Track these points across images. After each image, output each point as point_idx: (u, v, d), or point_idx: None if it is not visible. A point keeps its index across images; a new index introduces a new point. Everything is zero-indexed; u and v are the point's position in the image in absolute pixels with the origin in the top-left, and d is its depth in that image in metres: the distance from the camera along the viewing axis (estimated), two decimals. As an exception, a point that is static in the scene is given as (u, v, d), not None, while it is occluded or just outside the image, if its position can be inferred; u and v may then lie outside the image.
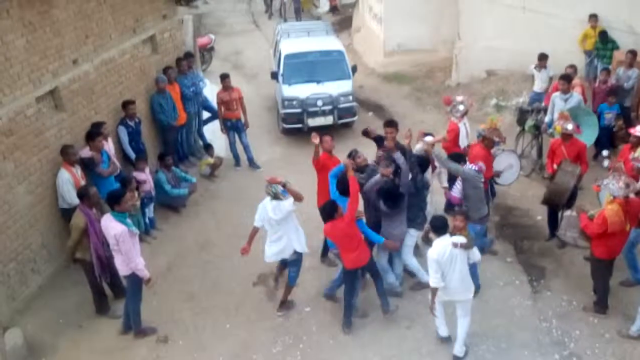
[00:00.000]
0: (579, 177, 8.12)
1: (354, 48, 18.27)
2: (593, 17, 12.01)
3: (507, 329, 7.18)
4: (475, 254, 6.59)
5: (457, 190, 7.83)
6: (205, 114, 12.01)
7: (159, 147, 10.71)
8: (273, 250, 7.45)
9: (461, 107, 9.05)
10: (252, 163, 11.59)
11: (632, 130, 8.36)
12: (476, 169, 7.50)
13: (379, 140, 8.21)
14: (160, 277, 8.25)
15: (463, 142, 8.94)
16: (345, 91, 12.55)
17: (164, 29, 11.13)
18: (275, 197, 7.14)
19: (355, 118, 12.69)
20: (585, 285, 7.55)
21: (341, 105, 12.42)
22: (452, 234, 6.49)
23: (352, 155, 7.87)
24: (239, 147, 11.54)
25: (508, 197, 9.84)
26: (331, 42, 13.72)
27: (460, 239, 6.39)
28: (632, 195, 6.91)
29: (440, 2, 15.36)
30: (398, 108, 13.96)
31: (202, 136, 11.98)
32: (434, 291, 6.50)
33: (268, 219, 7.28)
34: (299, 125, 12.41)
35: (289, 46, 13.45)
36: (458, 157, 7.96)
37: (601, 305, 7.27)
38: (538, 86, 11.38)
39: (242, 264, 8.44)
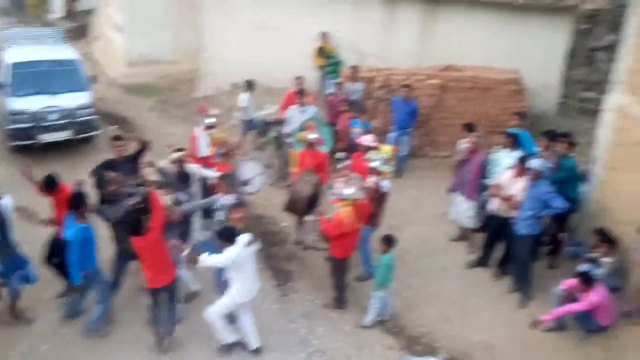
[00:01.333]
0: (318, 184, 8.70)
1: (94, 57, 17.26)
2: (323, 35, 13.06)
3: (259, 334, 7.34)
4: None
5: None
6: None
7: None
8: None
9: (209, 120, 9.22)
10: (-26, 186, 10.16)
11: (359, 140, 9.25)
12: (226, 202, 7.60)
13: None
14: None
15: (202, 152, 9.05)
16: (83, 103, 11.72)
17: None
18: None
19: (97, 132, 11.95)
20: (326, 285, 8.09)
21: (79, 119, 11.58)
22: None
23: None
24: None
25: (256, 206, 10.15)
26: (64, 51, 12.72)
27: (247, 237, 6.61)
28: (363, 197, 7.68)
29: (180, 14, 15.33)
30: (143, 121, 13.54)
31: None
32: None
33: None
34: (30, 142, 11.26)
35: (16, 55, 12.13)
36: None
37: (340, 301, 7.88)
38: (250, 113, 11.50)
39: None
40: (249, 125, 11.57)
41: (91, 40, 18.26)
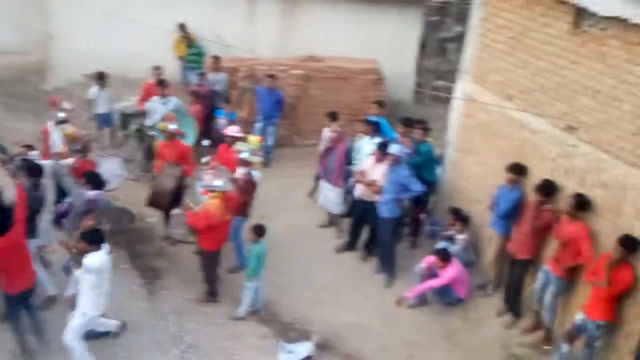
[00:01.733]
0: (182, 177, 8.51)
1: None
2: (182, 26, 12.70)
3: (125, 337, 6.96)
4: None
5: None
6: None
7: None
8: None
9: (60, 114, 8.68)
10: None
11: (226, 131, 9.16)
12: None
13: None
14: None
15: (56, 147, 8.52)
16: None
17: None
18: None
19: None
20: (198, 278, 7.96)
21: None
22: None
23: None
24: None
25: (118, 202, 9.69)
26: None
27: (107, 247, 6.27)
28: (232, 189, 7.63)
29: (25, 2, 14.18)
30: (-13, 116, 12.40)
31: None
32: None
33: None
34: None
35: None
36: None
37: (212, 294, 7.80)
38: (103, 107, 11.01)
39: None
40: (104, 119, 11.02)
41: None
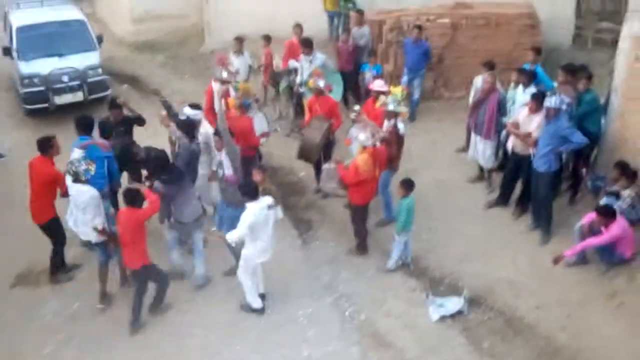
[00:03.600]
0: (329, 131, 8.66)
1: (98, 17, 17.06)
2: (330, -17, 12.75)
3: (283, 283, 7.50)
4: (279, 211, 6.92)
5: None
6: None
7: None
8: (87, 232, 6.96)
9: (224, 74, 9.10)
10: (-8, 152, 10.31)
11: (371, 86, 9.16)
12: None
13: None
14: None
15: (217, 105, 8.94)
16: (93, 64, 11.71)
17: None
18: (77, 178, 6.65)
19: (108, 92, 11.92)
20: (348, 231, 8.17)
21: (90, 80, 11.59)
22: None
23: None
24: (-26, 136, 10.18)
25: (272, 158, 10.17)
26: (70, 12, 12.65)
27: (270, 200, 6.67)
28: (378, 143, 7.65)
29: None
30: (154, 78, 13.50)
31: None
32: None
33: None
34: (45, 105, 11.30)
35: (21, 18, 12.08)
36: None
37: (362, 246, 7.98)
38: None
39: (-5, 268, 7.60)
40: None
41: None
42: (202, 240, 7.39)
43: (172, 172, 7.04)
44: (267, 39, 11.28)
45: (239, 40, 10.93)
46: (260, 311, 7.07)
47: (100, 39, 12.32)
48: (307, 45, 10.27)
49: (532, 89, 8.35)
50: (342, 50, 11.22)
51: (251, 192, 6.64)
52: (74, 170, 6.69)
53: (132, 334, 6.83)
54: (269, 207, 6.67)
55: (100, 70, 11.82)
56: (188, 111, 7.95)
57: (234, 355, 6.60)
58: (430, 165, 9.70)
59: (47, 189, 7.26)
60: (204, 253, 7.44)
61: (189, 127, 7.72)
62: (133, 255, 6.59)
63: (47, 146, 7.23)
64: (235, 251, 7.10)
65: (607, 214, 6.98)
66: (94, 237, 6.94)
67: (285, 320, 7.00)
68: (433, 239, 8.22)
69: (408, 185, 7.42)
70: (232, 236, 6.60)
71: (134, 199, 6.48)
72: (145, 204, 6.57)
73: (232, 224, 6.81)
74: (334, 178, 7.94)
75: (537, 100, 7.75)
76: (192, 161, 7.64)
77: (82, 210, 6.81)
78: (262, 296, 7.16)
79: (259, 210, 6.57)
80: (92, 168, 6.82)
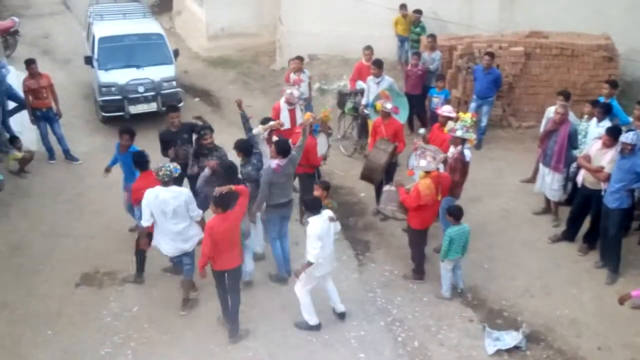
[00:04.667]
0: (393, 153, 8.63)
1: (176, 32, 17.72)
2: (403, 6, 12.76)
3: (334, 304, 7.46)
4: (337, 225, 6.95)
5: None
6: (11, 104, 10.94)
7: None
8: (178, 245, 7.05)
9: (295, 92, 9.33)
10: (68, 155, 10.79)
11: (439, 111, 9.08)
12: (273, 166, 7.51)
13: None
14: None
15: (286, 123, 9.06)
16: (168, 76, 12.13)
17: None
18: (167, 182, 6.84)
19: (180, 104, 12.29)
20: (405, 255, 8.08)
21: (164, 91, 12.00)
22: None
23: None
24: (52, 139, 10.67)
25: (333, 177, 10.21)
26: (150, 25, 13.14)
27: (331, 213, 6.81)
28: (441, 166, 7.56)
29: (261, -14, 15.45)
30: (225, 93, 13.84)
31: (8, 128, 10.87)
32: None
33: (164, 211, 6.83)
34: (120, 113, 11.78)
35: (103, 29, 12.65)
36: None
37: (418, 272, 7.86)
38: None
39: (61, 266, 7.97)
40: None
41: (174, 15, 18.71)
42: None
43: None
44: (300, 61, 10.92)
45: (300, 60, 10.91)
46: (316, 328, 7.05)
47: (176, 53, 12.74)
48: (377, 66, 10.30)
49: (607, 123, 8.08)
50: (411, 74, 11.20)
51: (315, 205, 6.74)
52: (164, 173, 6.80)
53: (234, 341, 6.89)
54: (330, 219, 6.74)
55: (174, 83, 12.23)
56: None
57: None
58: (495, 195, 9.51)
59: None
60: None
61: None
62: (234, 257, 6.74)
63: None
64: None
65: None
66: (190, 246, 7.11)
67: (336, 341, 6.94)
68: (494, 269, 8.02)
69: (454, 213, 7.30)
70: (312, 255, 6.61)
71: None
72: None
73: None
74: (394, 201, 7.88)
75: (612, 134, 7.50)
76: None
77: (173, 215, 6.85)
78: (342, 315, 7.19)
79: (321, 223, 6.64)
80: (174, 164, 7.02)
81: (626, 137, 7.22)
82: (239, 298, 6.91)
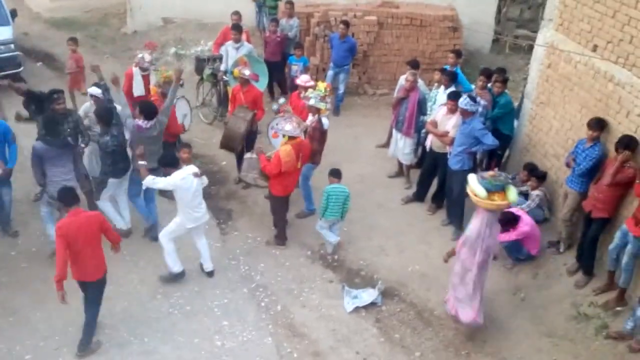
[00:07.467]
0: (253, 121, 8.61)
1: (13, -10, 16.13)
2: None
3: (198, 273, 7.42)
4: (204, 179, 7.12)
5: None
6: None
7: None
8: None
9: (146, 57, 9.08)
10: None
11: (297, 81, 9.17)
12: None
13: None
14: None
15: (137, 91, 8.79)
16: (5, 39, 11.09)
17: None
18: None
19: (20, 69, 11.32)
20: (267, 222, 8.17)
21: (1, 55, 10.95)
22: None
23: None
24: None
25: (194, 146, 9.92)
26: (-20, -17, 11.85)
27: (195, 168, 6.94)
28: (303, 135, 7.68)
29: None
30: (71, 57, 12.88)
31: None
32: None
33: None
34: (-51, 80, 10.57)
35: None
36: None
37: (281, 237, 7.99)
38: None
39: None
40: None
41: (9, -29, 17.01)
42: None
43: None
44: (74, 41, 10.74)
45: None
46: (180, 276, 7.17)
47: (14, 13, 11.67)
48: (237, 30, 10.13)
49: (451, 90, 8.60)
50: (270, 41, 11.15)
51: (171, 160, 6.85)
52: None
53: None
54: (195, 174, 6.82)
55: (12, 46, 11.21)
56: (94, 91, 7.83)
57: (143, 348, 6.42)
58: (353, 160, 9.83)
59: None
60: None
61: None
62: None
63: None
64: None
65: (508, 223, 7.30)
66: None
67: (199, 311, 6.91)
68: (352, 231, 8.34)
69: (334, 173, 7.74)
70: (150, 180, 6.76)
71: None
72: None
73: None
74: (255, 168, 7.89)
75: (455, 100, 8.01)
76: None
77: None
78: (210, 274, 7.37)
79: (184, 176, 6.72)
80: None
81: (461, 103, 7.77)
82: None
